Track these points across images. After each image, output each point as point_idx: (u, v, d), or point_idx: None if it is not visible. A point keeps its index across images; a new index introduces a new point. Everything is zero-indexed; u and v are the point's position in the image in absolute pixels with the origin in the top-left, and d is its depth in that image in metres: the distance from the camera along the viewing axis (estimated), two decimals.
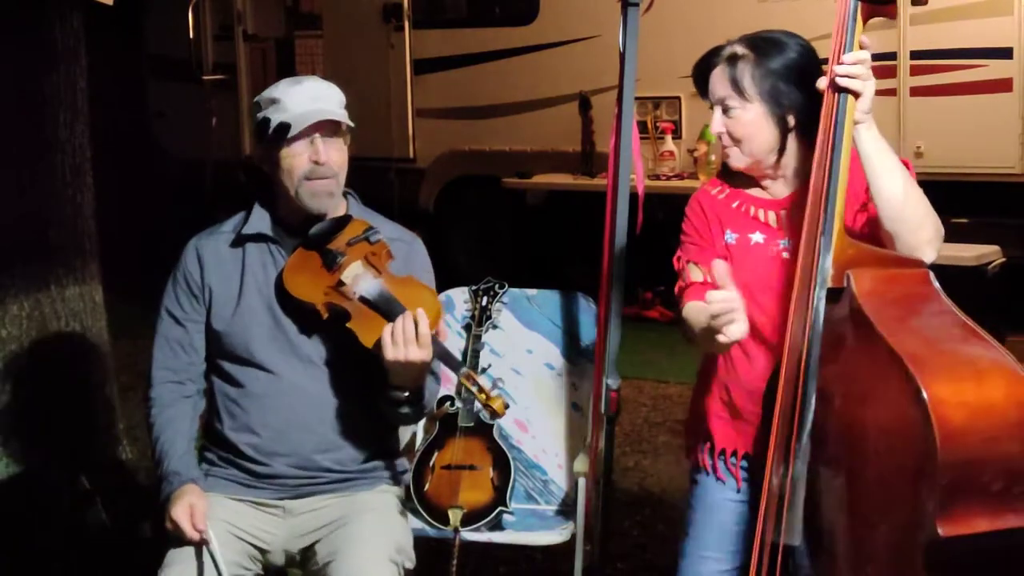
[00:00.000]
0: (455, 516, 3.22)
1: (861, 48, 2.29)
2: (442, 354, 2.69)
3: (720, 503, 2.65)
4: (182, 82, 9.48)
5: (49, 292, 4.05)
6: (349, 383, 2.79)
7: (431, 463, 3.31)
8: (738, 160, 2.57)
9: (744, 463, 2.62)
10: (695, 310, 2.52)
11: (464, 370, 2.69)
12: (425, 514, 3.25)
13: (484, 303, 3.53)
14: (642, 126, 7.26)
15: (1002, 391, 2.03)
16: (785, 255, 2.54)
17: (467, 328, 3.53)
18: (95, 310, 4.23)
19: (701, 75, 2.58)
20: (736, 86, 2.50)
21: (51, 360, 4.06)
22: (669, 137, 7.39)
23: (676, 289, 2.64)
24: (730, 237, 2.60)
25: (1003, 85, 6.43)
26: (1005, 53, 6.42)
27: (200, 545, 2.68)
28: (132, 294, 5.90)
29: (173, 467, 2.77)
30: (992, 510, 1.99)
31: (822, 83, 2.30)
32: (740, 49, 2.52)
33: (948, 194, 6.83)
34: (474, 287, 3.57)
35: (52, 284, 4.06)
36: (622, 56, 3.06)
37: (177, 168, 9.62)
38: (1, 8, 3.87)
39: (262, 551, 2.81)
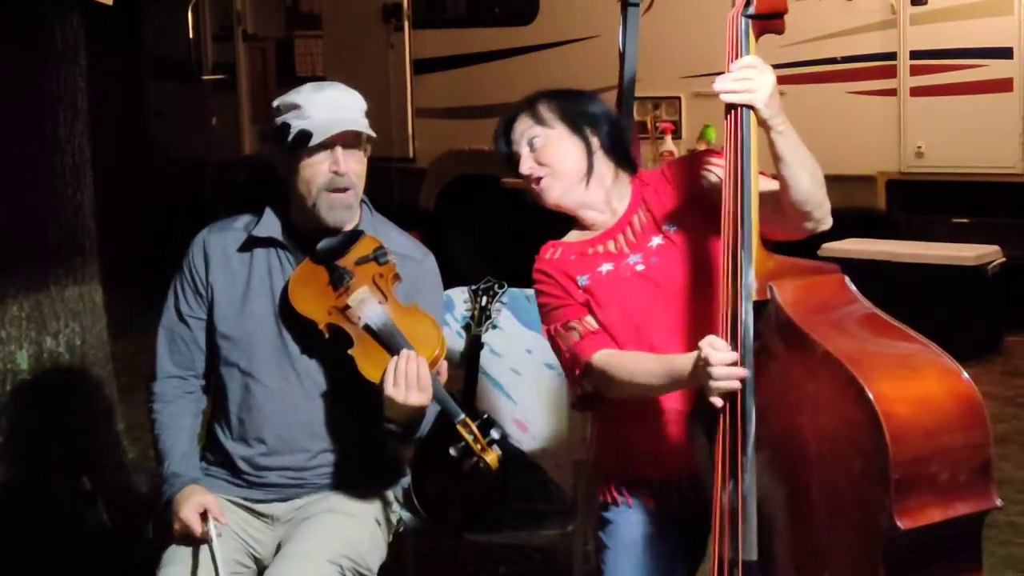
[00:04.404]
0: (455, 516, 3.22)
1: None
2: (441, 398, 2.65)
3: (636, 539, 2.59)
4: (182, 82, 9.48)
5: (49, 292, 4.04)
6: (345, 400, 2.76)
7: (431, 463, 3.30)
8: (551, 190, 2.62)
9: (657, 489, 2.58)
10: (638, 359, 2.47)
11: (461, 418, 2.64)
12: (425, 514, 3.25)
13: (484, 303, 3.53)
14: (642, 126, 7.25)
15: (937, 384, 2.11)
16: (640, 267, 2.56)
17: (467, 328, 3.52)
18: (95, 310, 4.22)
19: (505, 134, 2.69)
20: (536, 118, 2.63)
21: (50, 361, 4.06)
22: (669, 137, 7.38)
23: (566, 354, 2.56)
24: (582, 280, 2.60)
25: (1003, 85, 6.43)
26: (1005, 53, 6.42)
27: (199, 544, 2.68)
28: (132, 294, 5.90)
29: (174, 468, 2.77)
30: (942, 500, 2.06)
31: (719, 85, 2.26)
32: (536, 97, 2.67)
33: (948, 194, 6.84)
34: (474, 287, 3.57)
35: (52, 284, 4.05)
36: (622, 56, 3.07)
37: (176, 168, 9.62)
38: (1, 8, 3.86)
39: (256, 557, 2.82)
